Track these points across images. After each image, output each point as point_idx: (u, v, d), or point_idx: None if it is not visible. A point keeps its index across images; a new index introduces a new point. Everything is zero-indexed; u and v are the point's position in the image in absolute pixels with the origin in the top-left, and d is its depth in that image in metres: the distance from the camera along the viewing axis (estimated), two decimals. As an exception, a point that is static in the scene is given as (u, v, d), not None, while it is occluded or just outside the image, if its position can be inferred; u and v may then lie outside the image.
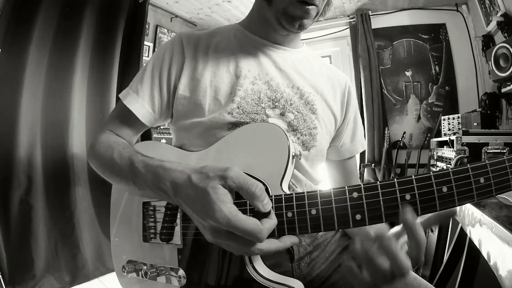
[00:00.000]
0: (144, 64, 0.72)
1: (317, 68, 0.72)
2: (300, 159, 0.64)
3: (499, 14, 1.98)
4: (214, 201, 0.40)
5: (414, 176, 0.40)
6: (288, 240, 0.44)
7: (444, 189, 0.38)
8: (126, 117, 0.65)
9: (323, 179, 0.75)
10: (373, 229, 0.41)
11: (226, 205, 0.40)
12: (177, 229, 0.56)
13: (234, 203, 0.42)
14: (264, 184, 0.49)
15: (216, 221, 0.39)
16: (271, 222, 0.43)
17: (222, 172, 0.42)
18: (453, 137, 1.75)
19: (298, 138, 0.64)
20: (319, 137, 0.66)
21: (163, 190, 0.47)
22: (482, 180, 0.37)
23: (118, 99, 0.66)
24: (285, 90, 0.65)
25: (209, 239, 0.43)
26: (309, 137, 0.65)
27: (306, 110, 0.65)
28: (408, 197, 0.39)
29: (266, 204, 0.42)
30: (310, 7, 0.57)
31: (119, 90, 2.16)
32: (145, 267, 0.59)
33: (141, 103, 0.64)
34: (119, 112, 0.67)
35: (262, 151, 0.52)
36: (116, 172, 0.55)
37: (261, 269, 0.50)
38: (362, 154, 2.73)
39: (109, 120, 0.68)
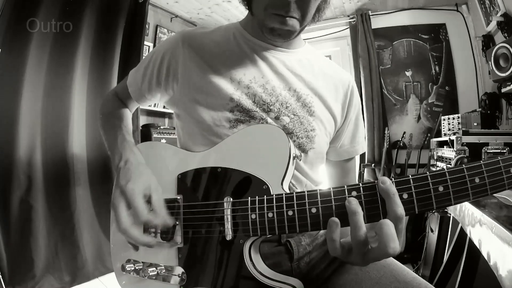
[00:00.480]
0: (144, 58, 0.74)
1: (318, 68, 0.71)
2: (300, 160, 0.64)
3: (499, 14, 1.98)
4: (136, 180, 0.54)
5: (411, 175, 0.41)
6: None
7: (441, 188, 0.40)
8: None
9: (323, 181, 0.75)
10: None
11: (138, 185, 0.53)
12: (178, 228, 0.56)
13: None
14: (265, 184, 0.49)
15: (125, 188, 0.53)
16: (155, 219, 0.52)
17: (154, 186, 0.56)
18: (453, 137, 1.75)
19: (294, 141, 0.64)
20: (317, 139, 0.66)
21: (119, 158, 0.60)
22: (477, 180, 0.39)
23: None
24: (281, 93, 0.64)
25: (112, 201, 0.54)
26: (306, 139, 0.65)
27: (303, 112, 0.65)
28: (405, 196, 0.41)
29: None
30: (287, 18, 0.56)
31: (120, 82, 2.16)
32: (144, 266, 0.59)
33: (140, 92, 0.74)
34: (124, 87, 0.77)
35: (263, 151, 0.53)
36: (107, 132, 0.70)
37: (261, 268, 0.50)
38: (362, 154, 2.73)
39: (119, 86, 0.80)
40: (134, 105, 0.79)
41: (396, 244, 0.38)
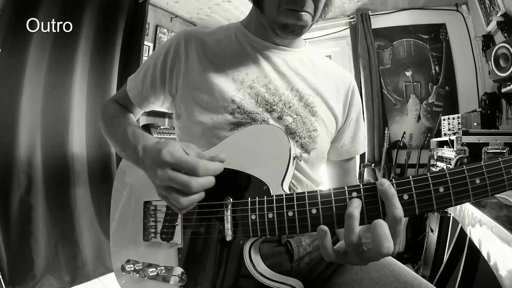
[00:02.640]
0: (144, 62, 0.73)
1: (320, 68, 0.71)
2: (300, 160, 0.64)
3: (499, 14, 1.98)
4: (164, 147, 0.48)
5: (412, 176, 0.41)
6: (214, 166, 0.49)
7: (441, 189, 0.39)
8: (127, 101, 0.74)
9: (324, 181, 0.75)
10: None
11: (172, 147, 0.48)
12: (178, 229, 0.56)
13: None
14: (265, 184, 0.49)
15: (163, 158, 0.47)
16: (208, 162, 0.48)
17: (183, 144, 0.51)
18: (453, 137, 1.75)
19: (297, 141, 0.64)
20: (320, 139, 0.66)
21: (136, 150, 0.55)
22: (477, 181, 0.39)
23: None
24: (284, 92, 0.64)
25: (160, 185, 0.48)
26: (308, 139, 0.65)
27: (305, 112, 0.65)
28: (406, 197, 0.40)
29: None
30: (302, 13, 0.56)
31: (119, 90, 2.16)
32: (144, 266, 0.59)
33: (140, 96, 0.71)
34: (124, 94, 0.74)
35: (263, 152, 0.53)
36: (114, 135, 0.65)
37: (260, 268, 0.50)
38: (362, 154, 2.73)
39: (118, 94, 0.78)
40: (136, 112, 0.76)
41: (390, 243, 0.38)
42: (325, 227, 0.41)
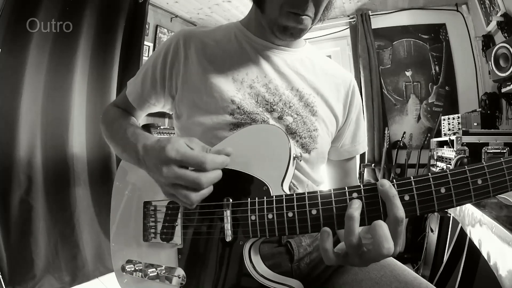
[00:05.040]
0: (143, 64, 0.73)
1: (320, 67, 0.70)
2: (300, 160, 0.64)
3: (499, 14, 1.98)
4: (167, 143, 0.47)
5: (413, 177, 0.41)
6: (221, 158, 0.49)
7: (443, 190, 0.39)
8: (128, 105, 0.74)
9: (325, 181, 0.75)
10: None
11: (175, 144, 0.47)
12: (178, 229, 0.56)
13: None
14: (265, 185, 0.49)
15: (167, 155, 0.46)
16: (215, 156, 0.47)
17: (186, 140, 0.50)
18: (453, 137, 1.75)
19: (297, 141, 0.64)
20: (320, 139, 0.66)
21: (136, 150, 0.54)
22: (479, 181, 0.38)
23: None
24: (284, 92, 0.64)
25: (166, 184, 0.47)
26: (309, 139, 0.64)
27: (306, 112, 0.65)
28: (407, 197, 0.40)
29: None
30: (303, 17, 0.56)
31: (119, 90, 2.16)
32: (144, 266, 0.59)
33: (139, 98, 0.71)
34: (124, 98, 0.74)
35: (263, 152, 0.52)
36: (115, 138, 0.64)
37: (260, 269, 0.50)
38: (362, 154, 2.73)
39: (117, 98, 0.78)
40: (137, 115, 0.75)
41: (390, 244, 0.38)
42: (328, 229, 0.41)
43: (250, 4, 0.67)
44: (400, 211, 0.39)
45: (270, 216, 0.47)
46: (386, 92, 2.79)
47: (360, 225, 0.41)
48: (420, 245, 2.03)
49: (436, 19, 2.66)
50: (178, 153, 0.46)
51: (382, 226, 0.38)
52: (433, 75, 2.68)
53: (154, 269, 0.57)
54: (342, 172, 0.78)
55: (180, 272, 0.55)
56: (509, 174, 0.38)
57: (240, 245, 0.50)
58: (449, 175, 0.39)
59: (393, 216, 0.39)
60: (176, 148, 0.46)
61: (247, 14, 0.71)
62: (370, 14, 2.76)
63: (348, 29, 2.88)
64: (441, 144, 2.08)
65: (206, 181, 0.45)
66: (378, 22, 2.80)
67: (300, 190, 0.64)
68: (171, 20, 2.94)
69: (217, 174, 0.47)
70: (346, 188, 0.43)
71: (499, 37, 2.10)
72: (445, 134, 2.12)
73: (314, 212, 0.44)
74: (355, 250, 0.40)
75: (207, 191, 0.47)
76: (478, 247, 0.83)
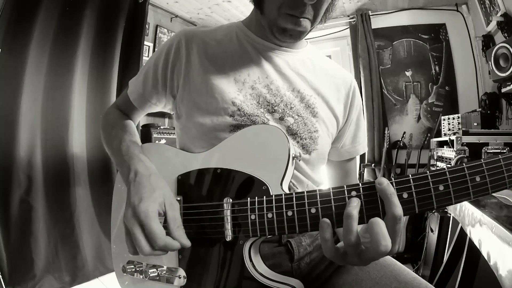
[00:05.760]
0: (144, 64, 0.73)
1: (321, 68, 0.70)
2: (300, 160, 0.64)
3: (499, 14, 1.98)
4: (149, 197, 0.50)
5: (411, 175, 0.41)
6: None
7: (441, 187, 0.39)
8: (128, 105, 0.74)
9: (324, 181, 0.75)
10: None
11: (152, 205, 0.49)
12: (177, 229, 0.56)
13: None
14: (264, 184, 0.49)
15: (139, 210, 0.48)
16: (173, 242, 0.48)
17: (169, 202, 0.52)
18: (453, 137, 1.75)
19: (298, 142, 0.63)
20: (320, 140, 0.66)
21: (128, 170, 0.56)
22: (478, 178, 0.38)
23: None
24: (285, 93, 0.64)
25: (125, 223, 0.49)
26: (309, 140, 0.64)
27: (306, 113, 0.65)
28: (405, 195, 0.40)
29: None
30: (301, 19, 0.56)
31: (119, 90, 2.16)
32: (145, 267, 0.59)
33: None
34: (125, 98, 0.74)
35: (262, 152, 0.53)
36: (111, 147, 0.66)
37: (261, 269, 0.50)
38: (362, 154, 2.73)
39: (119, 98, 0.77)
40: (138, 115, 0.76)
41: (387, 241, 0.38)
42: (327, 220, 0.41)
43: (251, 5, 0.66)
44: (398, 209, 0.39)
45: (269, 215, 0.47)
46: (386, 92, 2.80)
47: (359, 224, 0.41)
48: (420, 245, 2.03)
49: (436, 19, 2.66)
50: (145, 217, 0.47)
51: (379, 224, 0.38)
52: (433, 75, 2.68)
53: (155, 270, 0.57)
54: (342, 172, 0.78)
55: (181, 272, 0.55)
56: (507, 171, 0.38)
57: (240, 245, 0.50)
58: (447, 173, 0.39)
59: (391, 214, 0.39)
60: (147, 211, 0.48)
61: (249, 14, 0.70)
62: (370, 14, 2.76)
63: (348, 29, 2.88)
64: (441, 144, 2.08)
65: (147, 253, 0.47)
66: (378, 22, 2.80)
67: (300, 191, 0.64)
68: (171, 20, 2.94)
69: (161, 253, 0.49)
70: (345, 186, 0.43)
71: (499, 37, 2.10)
72: (445, 134, 2.12)
73: (313, 211, 0.44)
74: (354, 249, 0.40)
75: (147, 255, 0.48)
76: (478, 247, 0.83)
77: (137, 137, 0.68)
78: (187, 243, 0.50)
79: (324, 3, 0.57)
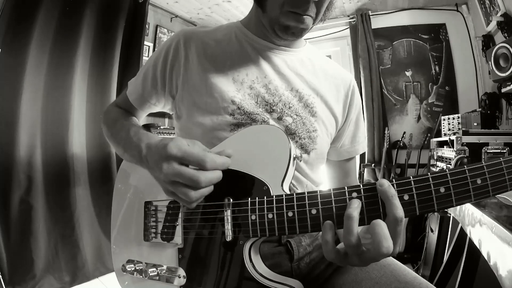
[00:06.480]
0: (143, 64, 0.73)
1: (320, 68, 0.70)
2: (300, 160, 0.64)
3: (499, 14, 1.98)
4: (170, 141, 0.48)
5: (412, 177, 0.41)
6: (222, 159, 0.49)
7: (442, 189, 0.39)
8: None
9: (324, 181, 0.75)
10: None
11: (178, 141, 0.48)
12: (178, 229, 0.56)
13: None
14: (265, 185, 0.49)
15: (169, 151, 0.46)
16: (216, 156, 0.48)
17: (188, 141, 0.49)
18: (453, 137, 1.75)
19: (297, 142, 0.64)
20: (319, 140, 0.66)
21: (139, 149, 0.54)
22: (479, 181, 0.38)
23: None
24: (284, 93, 0.64)
25: (166, 181, 0.47)
26: (308, 140, 0.64)
27: (305, 113, 0.65)
28: (406, 197, 0.40)
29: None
30: (304, 16, 0.56)
31: (119, 90, 2.16)
32: (145, 266, 0.59)
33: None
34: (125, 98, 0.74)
35: (263, 152, 0.53)
36: (117, 138, 0.64)
37: (260, 269, 0.50)
38: (362, 154, 2.73)
39: (118, 98, 0.77)
40: (138, 116, 0.75)
41: (389, 243, 0.38)
42: (331, 222, 0.42)
43: (250, 4, 0.67)
44: (399, 211, 0.39)
45: (270, 215, 0.47)
46: (386, 92, 2.80)
47: (360, 225, 0.41)
48: (420, 245, 2.03)
49: (436, 19, 2.66)
50: (179, 150, 0.46)
51: (381, 225, 0.38)
52: (433, 75, 2.68)
53: (154, 269, 0.57)
54: (342, 172, 0.78)
55: (180, 272, 0.55)
56: (508, 173, 0.37)
57: (240, 245, 0.50)
58: (448, 175, 0.39)
59: (392, 215, 0.39)
60: (178, 145, 0.47)
61: (247, 14, 0.70)
62: (370, 14, 2.76)
63: (348, 29, 2.88)
64: (441, 144, 2.08)
65: (204, 179, 0.46)
66: (378, 22, 2.80)
67: (299, 191, 0.64)
68: (171, 20, 2.94)
69: (217, 175, 0.48)
70: (346, 188, 0.43)
71: (499, 37, 2.10)
72: (445, 134, 2.12)
73: (314, 211, 0.44)
74: (354, 250, 0.40)
75: (207, 190, 0.48)
76: (478, 247, 0.83)
77: (139, 124, 0.68)
78: (226, 162, 0.50)
79: (326, 1, 0.57)
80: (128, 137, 0.60)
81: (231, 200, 0.51)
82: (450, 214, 1.36)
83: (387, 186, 0.40)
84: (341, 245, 0.43)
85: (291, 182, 0.58)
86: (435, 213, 1.79)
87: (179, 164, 0.46)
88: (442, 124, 2.18)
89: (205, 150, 0.50)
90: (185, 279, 0.54)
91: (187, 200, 0.47)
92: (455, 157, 1.66)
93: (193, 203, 0.48)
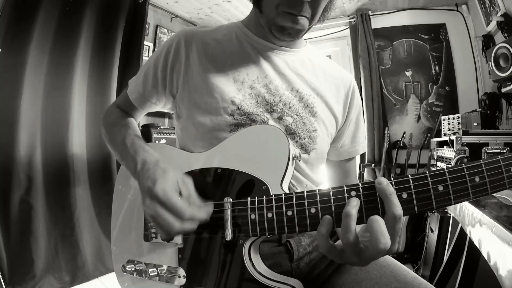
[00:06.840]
0: (143, 64, 0.73)
1: (320, 68, 0.71)
2: (300, 160, 0.64)
3: (499, 14, 1.98)
4: (162, 178, 0.50)
5: (411, 175, 0.41)
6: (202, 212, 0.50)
7: (440, 188, 0.39)
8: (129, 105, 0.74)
9: (324, 181, 0.75)
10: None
11: (167, 183, 0.49)
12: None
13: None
14: (265, 184, 0.49)
15: (155, 191, 0.48)
16: (199, 212, 0.49)
17: (181, 180, 0.51)
18: (453, 137, 1.75)
19: (297, 142, 0.64)
20: (319, 140, 0.66)
21: (135, 163, 0.56)
22: (477, 179, 0.38)
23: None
24: (284, 93, 0.64)
25: (146, 211, 0.49)
26: (308, 140, 0.64)
27: (305, 113, 0.65)
28: (405, 195, 0.40)
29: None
30: (299, 17, 0.56)
31: (119, 90, 2.16)
32: (145, 266, 0.59)
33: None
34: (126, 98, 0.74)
35: (263, 152, 0.53)
36: (114, 144, 0.66)
37: (260, 268, 0.50)
38: (362, 154, 2.73)
39: (119, 98, 0.77)
40: (138, 114, 0.76)
41: (386, 239, 0.38)
42: (330, 217, 0.42)
43: (250, 4, 0.67)
44: (398, 209, 0.39)
45: (269, 215, 0.47)
46: (386, 92, 2.80)
47: (359, 223, 0.41)
48: (420, 245, 2.03)
49: (436, 19, 2.66)
50: (164, 195, 0.47)
51: (378, 221, 0.38)
52: (433, 75, 2.68)
53: (154, 269, 0.57)
54: (342, 172, 0.79)
55: (180, 272, 0.55)
56: (506, 171, 0.38)
57: (240, 244, 0.50)
58: (446, 173, 0.39)
59: (391, 213, 0.39)
60: (164, 190, 0.48)
61: (248, 14, 0.71)
62: (370, 14, 2.76)
63: (348, 29, 2.88)
64: (441, 144, 2.08)
65: (178, 229, 0.47)
66: (378, 22, 2.80)
67: (299, 191, 0.64)
68: (171, 20, 2.94)
69: (191, 227, 0.48)
70: (345, 186, 0.43)
71: (499, 37, 2.10)
72: (445, 134, 2.12)
73: (313, 210, 0.44)
74: (352, 248, 0.40)
75: (181, 231, 0.49)
76: (478, 247, 0.83)
77: (137, 131, 0.69)
78: (211, 209, 0.51)
79: (322, 2, 0.57)
80: (124, 146, 0.61)
81: (231, 199, 0.51)
82: (450, 214, 1.36)
83: (386, 184, 0.40)
84: (339, 242, 0.43)
85: (290, 182, 0.58)
86: (435, 213, 1.79)
87: (161, 206, 0.47)
88: (442, 124, 2.18)
89: (191, 196, 0.50)
90: (185, 279, 0.54)
91: (161, 235, 0.50)
92: (455, 157, 1.66)
93: (167, 240, 0.51)
